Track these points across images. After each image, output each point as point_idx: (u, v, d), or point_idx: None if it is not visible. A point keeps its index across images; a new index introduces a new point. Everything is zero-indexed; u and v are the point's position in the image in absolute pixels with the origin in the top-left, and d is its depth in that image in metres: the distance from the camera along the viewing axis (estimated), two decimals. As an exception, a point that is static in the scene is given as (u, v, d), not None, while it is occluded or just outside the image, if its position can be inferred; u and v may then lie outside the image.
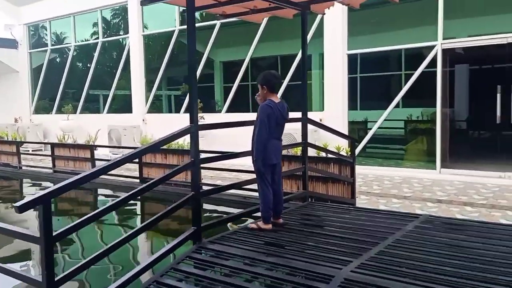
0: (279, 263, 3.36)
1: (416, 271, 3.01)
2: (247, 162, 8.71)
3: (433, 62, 8.60)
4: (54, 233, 2.86)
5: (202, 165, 4.99)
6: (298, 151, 6.93)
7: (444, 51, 8.51)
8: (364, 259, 3.24)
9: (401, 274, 2.98)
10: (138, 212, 7.83)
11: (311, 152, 5.98)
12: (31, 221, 6.74)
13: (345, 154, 6.42)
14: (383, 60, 10.24)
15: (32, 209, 2.94)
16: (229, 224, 5.40)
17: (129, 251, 5.41)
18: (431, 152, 8.72)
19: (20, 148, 11.09)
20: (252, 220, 4.69)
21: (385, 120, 9.42)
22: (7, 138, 11.87)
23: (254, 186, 6.95)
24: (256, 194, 7.08)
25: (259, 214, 5.38)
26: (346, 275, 2.95)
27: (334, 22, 9.55)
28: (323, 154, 6.66)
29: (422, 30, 9.04)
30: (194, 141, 4.03)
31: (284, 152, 7.10)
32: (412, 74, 8.94)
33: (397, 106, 9.28)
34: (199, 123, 4.16)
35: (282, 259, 3.41)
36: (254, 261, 3.45)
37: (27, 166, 10.90)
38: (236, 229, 4.24)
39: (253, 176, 7.14)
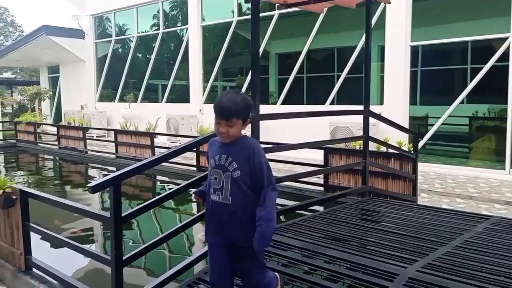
0: (339, 257, 3.29)
1: (487, 275, 2.84)
2: (300, 155, 8.69)
3: (504, 56, 8.05)
4: (123, 214, 2.95)
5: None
6: (356, 145, 6.78)
7: (518, 43, 7.94)
8: (431, 259, 3.10)
9: (470, 276, 2.82)
10: (192, 199, 8.01)
11: (370, 146, 5.82)
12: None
13: (406, 150, 6.18)
14: (446, 53, 9.74)
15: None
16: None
17: (182, 237, 5.51)
18: (500, 151, 8.20)
19: (86, 134, 11.72)
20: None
21: (448, 116, 8.98)
22: (74, 124, 12.57)
23: (309, 179, 6.95)
24: (311, 187, 7.09)
25: (315, 207, 5.33)
26: (412, 274, 2.83)
27: (398, 12, 9.19)
28: (383, 149, 6.46)
29: (493, 21, 8.48)
30: (255, 130, 4.03)
31: (341, 145, 6.99)
32: (479, 68, 8.43)
33: (461, 102, 8.81)
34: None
35: (341, 253, 3.34)
36: (312, 254, 3.41)
37: (92, 151, 11.50)
38: (294, 221, 4.20)
39: (308, 168, 7.15)
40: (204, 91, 13.95)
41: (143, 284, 3.04)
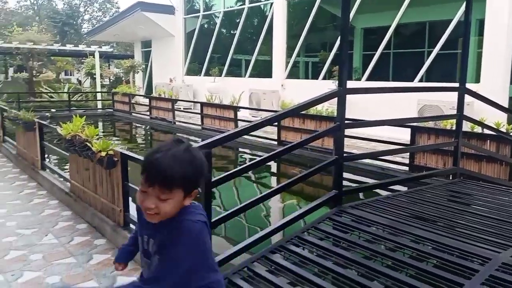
0: (425, 236, 3.19)
1: None
2: (384, 134, 8.41)
3: None
4: (212, 179, 3.12)
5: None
6: (447, 124, 6.41)
7: None
8: (528, 246, 2.90)
9: None
10: (272, 172, 8.18)
11: (463, 126, 5.45)
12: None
13: (505, 132, 5.72)
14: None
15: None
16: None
17: (260, 210, 5.62)
18: None
19: (174, 106, 12.38)
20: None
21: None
22: (164, 96, 13.31)
23: (394, 158, 6.72)
24: (394, 166, 6.86)
25: (395, 187, 5.17)
26: (506, 259, 2.68)
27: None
28: (477, 130, 6.04)
29: None
30: (341, 104, 3.98)
31: (430, 124, 6.64)
32: None
33: None
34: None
35: (428, 233, 3.24)
36: (397, 231, 3.34)
37: (179, 121, 12.15)
38: (377, 198, 4.14)
39: (391, 146, 6.90)
40: (286, 66, 13.94)
41: (219, 252, 3.20)
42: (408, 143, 6.48)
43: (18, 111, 7.82)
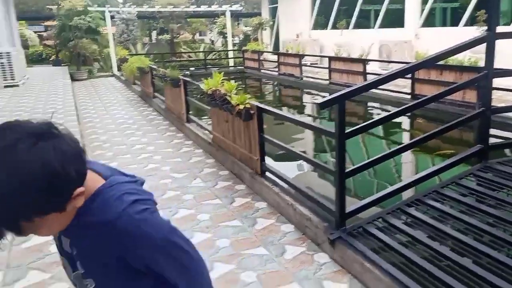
0: None
1: None
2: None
3: None
4: (346, 131, 3.16)
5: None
6: None
7: None
8: None
9: None
10: (405, 127, 7.82)
11: None
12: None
13: None
14: None
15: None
16: None
17: (388, 164, 5.39)
18: None
19: (302, 61, 12.42)
20: None
21: None
22: (292, 52, 13.40)
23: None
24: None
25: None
26: None
27: None
28: None
29: None
30: (490, 51, 3.61)
31: None
32: None
33: None
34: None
35: None
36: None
37: (306, 77, 12.20)
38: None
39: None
40: (421, 14, 12.81)
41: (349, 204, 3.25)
42: None
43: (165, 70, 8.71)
